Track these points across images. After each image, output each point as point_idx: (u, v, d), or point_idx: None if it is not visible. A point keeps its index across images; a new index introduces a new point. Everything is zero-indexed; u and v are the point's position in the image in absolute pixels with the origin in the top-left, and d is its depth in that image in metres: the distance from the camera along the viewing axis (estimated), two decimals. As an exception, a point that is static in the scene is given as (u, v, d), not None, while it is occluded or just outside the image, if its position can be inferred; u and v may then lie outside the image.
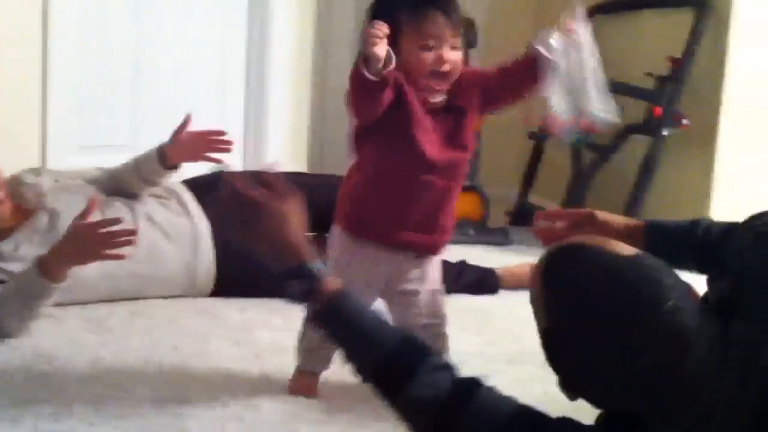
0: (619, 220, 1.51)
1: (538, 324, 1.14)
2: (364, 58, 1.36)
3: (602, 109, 1.53)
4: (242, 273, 2.11)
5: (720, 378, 1.04)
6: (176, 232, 2.15)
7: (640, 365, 1.05)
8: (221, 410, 1.51)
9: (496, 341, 2.00)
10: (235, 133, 2.32)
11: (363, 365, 1.22)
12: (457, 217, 3.13)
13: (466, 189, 3.24)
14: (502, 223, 3.39)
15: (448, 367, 1.20)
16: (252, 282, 2.12)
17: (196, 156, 2.17)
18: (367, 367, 1.21)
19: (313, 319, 1.24)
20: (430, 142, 1.48)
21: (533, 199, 3.51)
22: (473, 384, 1.17)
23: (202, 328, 1.94)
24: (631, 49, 3.21)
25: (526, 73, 1.51)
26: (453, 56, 1.47)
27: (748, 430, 1.03)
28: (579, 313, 1.09)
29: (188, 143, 2.15)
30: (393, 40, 1.39)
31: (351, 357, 1.22)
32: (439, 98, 1.50)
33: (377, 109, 1.43)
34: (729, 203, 2.74)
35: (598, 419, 1.22)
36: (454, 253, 2.77)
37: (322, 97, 3.81)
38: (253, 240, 1.28)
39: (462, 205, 3.19)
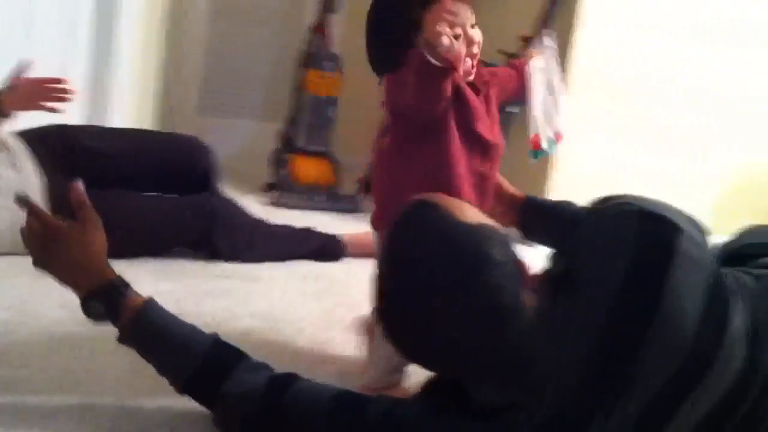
0: (508, 187, 1.55)
1: (375, 282, 1.16)
2: (427, 45, 1.27)
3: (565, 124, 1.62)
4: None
5: (548, 353, 1.06)
6: (4, 185, 2.02)
7: (460, 334, 1.08)
8: (52, 372, 1.44)
9: (336, 308, 2.00)
10: (78, 85, 2.20)
11: (177, 375, 1.23)
12: (307, 183, 3.16)
13: (319, 155, 3.23)
14: (354, 191, 3.40)
15: (264, 366, 1.23)
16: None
17: (32, 104, 2.02)
18: (181, 376, 1.23)
19: (121, 338, 1.26)
20: (485, 127, 1.44)
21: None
22: (290, 377, 1.21)
23: (26, 288, 1.84)
24: (484, 27, 3.26)
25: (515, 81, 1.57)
26: (477, 37, 1.46)
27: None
28: (409, 273, 1.11)
29: (25, 90, 2.01)
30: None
31: (164, 370, 1.24)
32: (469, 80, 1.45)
33: (445, 97, 1.35)
34: (565, 184, 2.86)
35: (425, 387, 1.23)
36: (302, 219, 2.77)
37: (174, 55, 3.70)
38: (53, 266, 1.29)
39: (313, 171, 3.20)
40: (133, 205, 2.11)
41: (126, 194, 2.13)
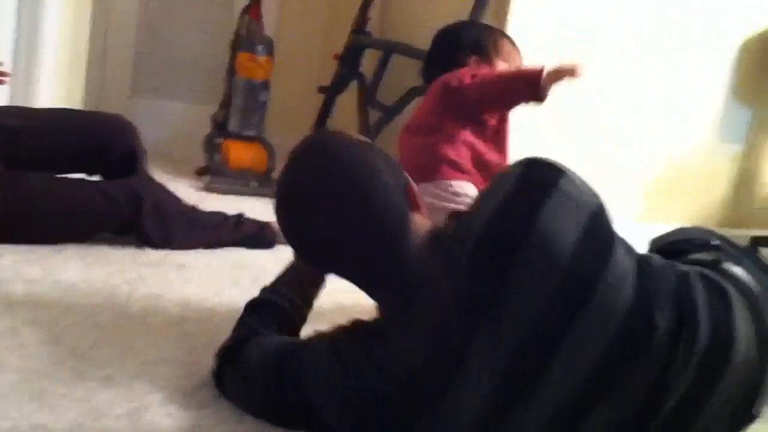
0: None
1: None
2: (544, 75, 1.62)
3: None
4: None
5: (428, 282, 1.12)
6: None
7: (348, 237, 1.19)
8: None
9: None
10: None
11: None
12: (240, 169, 3.14)
13: (251, 139, 3.21)
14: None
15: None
16: (11, 228, 2.01)
17: None
18: None
19: None
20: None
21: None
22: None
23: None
24: (418, 13, 3.29)
25: None
26: None
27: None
28: (304, 178, 1.23)
29: None
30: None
31: None
32: None
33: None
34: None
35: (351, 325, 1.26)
36: (235, 205, 2.76)
37: (103, 36, 3.63)
38: None
39: (246, 156, 3.18)
40: (56, 188, 2.05)
41: (48, 176, 2.07)
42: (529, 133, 3.00)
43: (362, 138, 1.30)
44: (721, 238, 1.51)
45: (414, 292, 1.12)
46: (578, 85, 2.94)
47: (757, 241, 2.93)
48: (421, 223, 1.20)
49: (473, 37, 1.93)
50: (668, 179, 3.32)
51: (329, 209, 1.18)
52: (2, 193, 1.98)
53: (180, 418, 1.30)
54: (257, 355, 1.30)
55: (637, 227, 3.20)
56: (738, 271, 1.23)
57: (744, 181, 3.47)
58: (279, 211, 1.26)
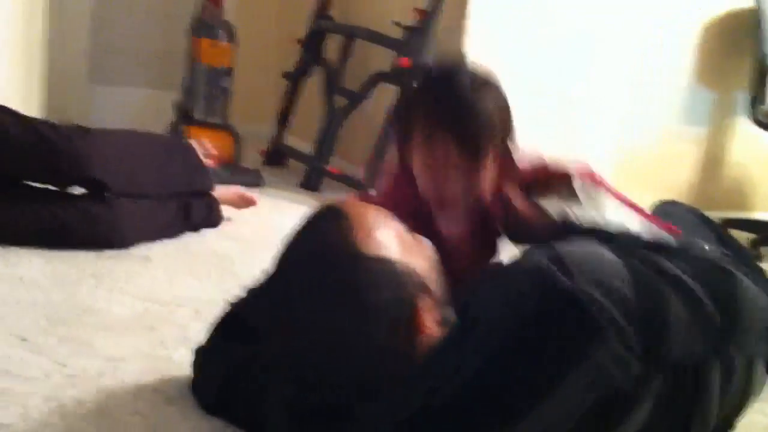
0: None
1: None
2: None
3: None
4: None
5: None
6: None
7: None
8: None
9: (231, 288, 1.98)
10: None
11: None
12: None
13: (218, 128, 3.18)
14: (256, 164, 3.37)
15: None
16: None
17: None
18: None
19: None
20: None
21: (288, 139, 3.51)
22: None
23: None
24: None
25: None
26: None
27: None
28: (294, 283, 1.08)
29: None
30: None
31: None
32: None
33: None
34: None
35: None
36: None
37: (59, 22, 3.55)
38: None
39: (212, 144, 3.14)
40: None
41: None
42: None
43: (377, 220, 1.11)
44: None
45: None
46: (538, 70, 2.98)
47: (728, 224, 2.96)
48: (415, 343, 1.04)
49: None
50: (634, 164, 3.35)
51: (321, 317, 1.05)
52: None
53: (147, 415, 1.28)
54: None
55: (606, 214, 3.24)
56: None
57: (710, 164, 3.50)
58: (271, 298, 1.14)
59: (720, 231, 1.73)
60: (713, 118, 3.46)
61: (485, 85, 1.40)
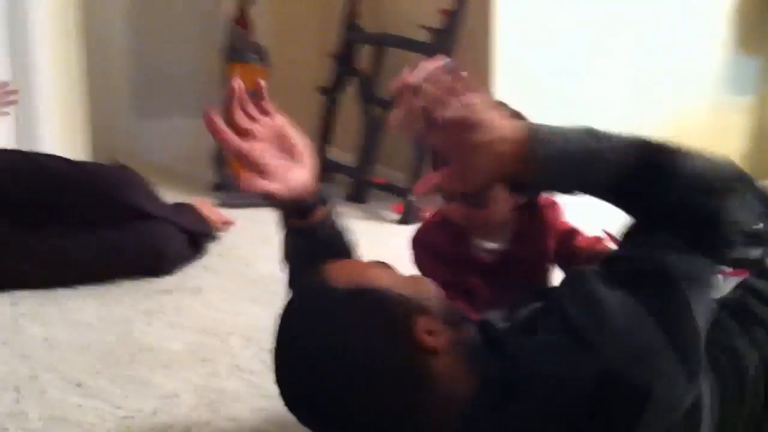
0: None
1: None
2: None
3: None
4: (12, 263, 2.03)
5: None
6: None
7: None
8: None
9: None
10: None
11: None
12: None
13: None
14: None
15: None
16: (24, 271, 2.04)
17: None
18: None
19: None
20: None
21: (331, 152, 3.52)
22: None
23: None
24: (405, 2, 3.27)
25: None
26: None
27: None
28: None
29: None
30: None
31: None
32: None
33: None
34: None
35: None
36: (252, 215, 2.77)
37: (96, 61, 3.63)
38: None
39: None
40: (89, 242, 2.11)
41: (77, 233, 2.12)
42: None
43: (356, 265, 1.09)
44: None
45: None
46: (576, 48, 2.93)
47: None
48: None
49: None
50: (680, 140, 3.27)
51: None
52: (21, 254, 2.03)
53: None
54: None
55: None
56: None
57: (760, 132, 3.41)
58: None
59: None
60: (759, 85, 3.36)
61: None
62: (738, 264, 1.31)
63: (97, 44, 3.61)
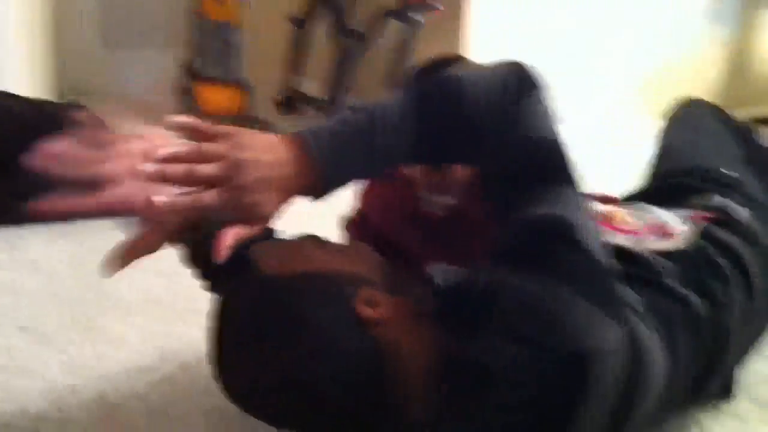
0: None
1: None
2: None
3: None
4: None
5: None
6: None
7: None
8: None
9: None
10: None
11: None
12: (216, 113, 3.06)
13: (225, 82, 3.12)
14: (270, 113, 3.32)
15: None
16: None
17: None
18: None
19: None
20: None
21: (305, 84, 3.44)
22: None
23: None
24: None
25: None
26: None
27: None
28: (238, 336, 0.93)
29: None
30: None
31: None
32: None
33: None
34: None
35: None
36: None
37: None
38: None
39: (221, 99, 3.10)
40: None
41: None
42: (488, 36, 2.89)
43: (285, 247, 0.98)
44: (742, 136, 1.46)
45: None
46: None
47: (759, 122, 2.84)
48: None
49: None
50: (660, 71, 3.22)
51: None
52: None
53: (145, 394, 1.27)
54: None
55: (635, 121, 3.14)
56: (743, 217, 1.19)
57: (738, 62, 3.36)
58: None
59: (748, 136, 1.63)
60: (740, 18, 3.30)
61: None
62: (702, 209, 1.29)
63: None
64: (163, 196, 0.85)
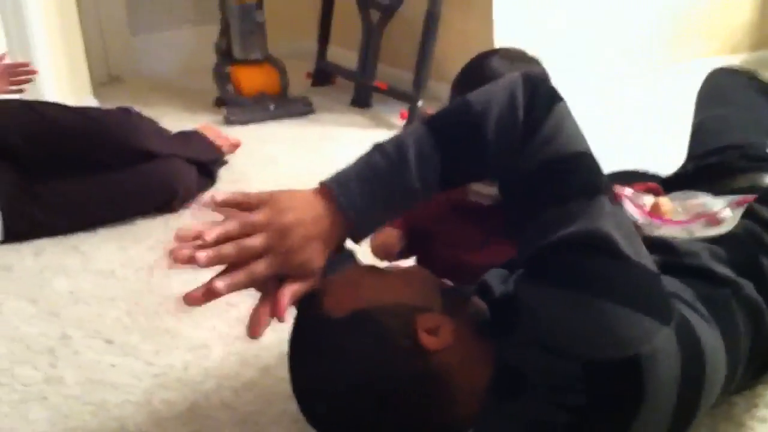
0: None
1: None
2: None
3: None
4: (30, 214, 2.06)
5: None
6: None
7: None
8: (22, 390, 1.45)
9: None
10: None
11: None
12: (254, 94, 3.11)
13: (258, 62, 3.17)
14: (305, 87, 3.37)
15: None
16: (42, 221, 2.07)
17: (1, 89, 2.09)
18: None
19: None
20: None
21: (332, 52, 3.47)
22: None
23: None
24: None
25: None
26: None
27: None
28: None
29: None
30: None
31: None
32: None
33: None
34: (508, 42, 2.81)
35: None
36: (256, 133, 2.78)
37: None
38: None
39: (257, 80, 3.15)
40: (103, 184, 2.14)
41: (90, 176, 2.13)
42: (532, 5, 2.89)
43: (343, 280, 1.02)
44: None
45: None
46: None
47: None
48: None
49: None
50: (687, 14, 3.21)
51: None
52: (36, 204, 2.06)
53: (232, 402, 1.36)
54: None
55: (671, 69, 3.14)
56: None
57: (766, 3, 3.33)
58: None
59: None
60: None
61: (519, 63, 1.36)
62: (748, 191, 1.33)
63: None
64: (221, 280, 0.93)
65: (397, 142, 1.00)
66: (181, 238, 0.95)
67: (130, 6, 3.71)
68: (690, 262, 1.16)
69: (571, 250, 0.92)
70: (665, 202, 1.32)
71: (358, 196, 0.97)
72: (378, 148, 1.00)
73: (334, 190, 0.97)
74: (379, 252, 1.42)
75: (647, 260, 0.96)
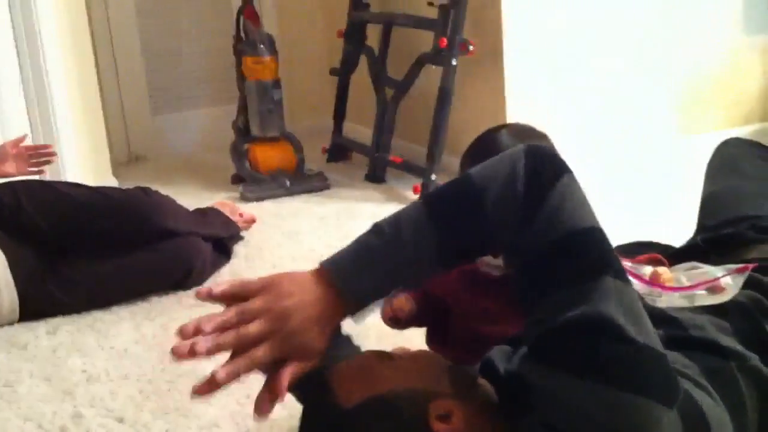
0: None
1: None
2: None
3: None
4: (49, 292, 2.08)
5: None
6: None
7: None
8: None
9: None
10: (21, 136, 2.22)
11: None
12: (271, 170, 3.16)
13: (275, 139, 3.23)
14: (320, 162, 3.41)
15: None
16: (61, 300, 2.09)
17: (21, 170, 2.16)
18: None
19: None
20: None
21: (348, 128, 3.53)
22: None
23: (6, 363, 1.87)
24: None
25: None
26: None
27: None
28: None
29: (17, 157, 2.15)
30: None
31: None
32: None
33: None
34: (521, 117, 2.85)
35: None
36: (273, 209, 2.80)
37: (109, 62, 3.65)
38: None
39: (274, 157, 3.20)
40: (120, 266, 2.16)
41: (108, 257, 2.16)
42: (525, 72, 2.94)
43: (356, 367, 1.03)
44: None
45: None
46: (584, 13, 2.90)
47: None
48: None
49: None
50: (698, 86, 3.24)
51: None
52: (55, 283, 2.09)
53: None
54: None
55: (677, 141, 3.16)
56: None
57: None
58: None
59: None
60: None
61: (527, 138, 1.39)
62: (757, 261, 1.33)
63: (114, 44, 3.64)
64: (222, 370, 0.93)
65: (394, 221, 1.00)
66: (183, 335, 0.95)
67: (151, 87, 3.81)
68: (696, 334, 1.15)
69: (579, 335, 0.91)
70: (664, 271, 1.32)
71: (356, 279, 0.98)
72: (375, 228, 1.01)
73: (332, 272, 0.98)
74: (386, 317, 1.43)
75: (653, 339, 0.94)
